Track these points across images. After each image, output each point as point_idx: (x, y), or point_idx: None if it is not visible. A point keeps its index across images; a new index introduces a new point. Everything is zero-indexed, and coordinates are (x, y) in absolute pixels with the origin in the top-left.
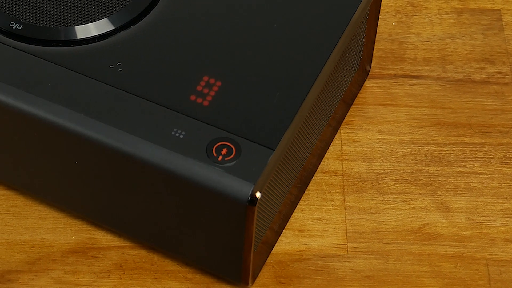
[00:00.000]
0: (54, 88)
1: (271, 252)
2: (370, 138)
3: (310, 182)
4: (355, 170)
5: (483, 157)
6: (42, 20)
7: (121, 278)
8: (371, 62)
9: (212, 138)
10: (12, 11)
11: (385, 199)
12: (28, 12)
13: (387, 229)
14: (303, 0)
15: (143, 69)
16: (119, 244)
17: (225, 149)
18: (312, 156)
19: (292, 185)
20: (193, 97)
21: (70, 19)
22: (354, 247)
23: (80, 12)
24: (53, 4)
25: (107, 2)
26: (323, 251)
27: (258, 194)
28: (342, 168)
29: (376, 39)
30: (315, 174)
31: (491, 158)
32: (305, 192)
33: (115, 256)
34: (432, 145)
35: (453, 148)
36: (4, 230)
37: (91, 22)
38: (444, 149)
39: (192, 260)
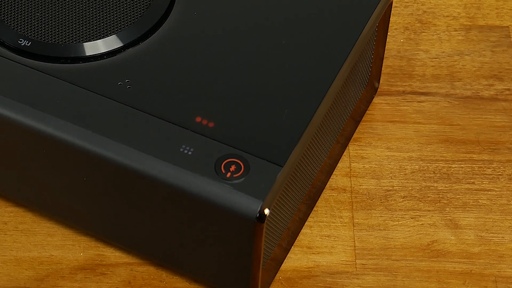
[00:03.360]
0: (62, 105)
1: (280, 269)
2: (379, 154)
3: (318, 198)
4: (363, 187)
5: (491, 174)
6: (50, 37)
7: None
8: (379, 79)
9: (221, 155)
10: (20, 28)
11: (394, 215)
12: (37, 29)
13: (396, 245)
14: (312, 17)
15: (151, 86)
16: (127, 260)
17: (234, 165)
18: (321, 173)
19: (300, 202)
20: (199, 118)
21: (78, 36)
22: (363, 264)
23: (88, 29)
24: (61, 21)
25: (116, 19)
26: (332, 267)
27: (266, 211)
28: (351, 185)
29: (385, 56)
30: (324, 190)
31: (499, 175)
32: (314, 209)
33: (124, 273)
34: (441, 162)
35: (462, 165)
36: (12, 246)
37: (100, 39)
38: (453, 166)
39: (201, 277)
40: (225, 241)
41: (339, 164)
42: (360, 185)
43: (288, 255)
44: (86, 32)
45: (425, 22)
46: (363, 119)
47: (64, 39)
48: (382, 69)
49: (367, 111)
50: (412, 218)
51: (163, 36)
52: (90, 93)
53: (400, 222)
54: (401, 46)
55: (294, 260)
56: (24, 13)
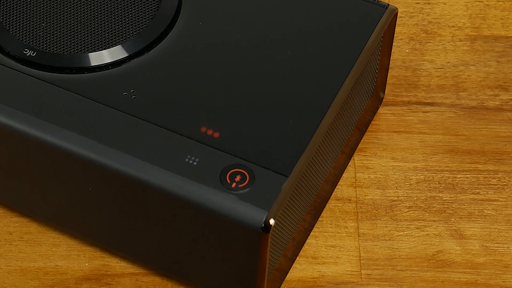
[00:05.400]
0: (67, 115)
1: (285, 279)
2: (384, 165)
3: (324, 209)
4: (368, 197)
5: (496, 184)
6: (55, 47)
7: None
8: (384, 89)
9: (226, 165)
10: (25, 38)
11: (399, 226)
12: (42, 39)
13: (401, 256)
14: (317, 28)
15: (156, 96)
16: (132, 271)
17: (239, 176)
18: (326, 183)
19: (305, 212)
20: (204, 129)
21: (83, 46)
22: (368, 274)
23: (93, 39)
24: (66, 31)
25: (121, 29)
26: (337, 278)
27: (272, 221)
28: (356, 195)
29: (390, 66)
30: (329, 201)
31: (504, 185)
32: (319, 219)
33: (129, 283)
34: (446, 172)
35: (467, 175)
36: (18, 257)
37: (105, 49)
38: (458, 176)
39: (206, 287)
40: (230, 251)
41: (344, 174)
42: (365, 195)
43: (293, 265)
44: (91, 42)
45: (430, 32)
46: (368, 129)
47: (69, 49)
48: (387, 79)
49: (372, 122)
50: (417, 229)
51: (168, 46)
52: (95, 103)
53: (405, 233)
54: (406, 56)
55: (299, 270)
56: (29, 23)
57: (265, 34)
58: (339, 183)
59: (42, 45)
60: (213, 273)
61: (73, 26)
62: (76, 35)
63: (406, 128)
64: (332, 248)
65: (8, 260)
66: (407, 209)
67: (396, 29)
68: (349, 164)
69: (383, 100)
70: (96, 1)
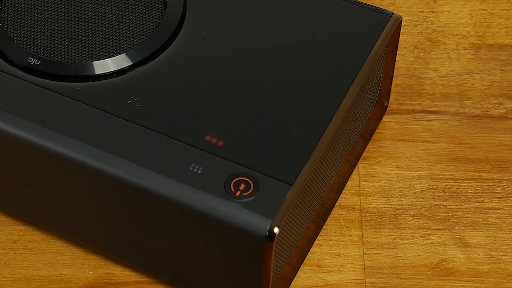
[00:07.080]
0: (72, 124)
1: None
2: (388, 173)
3: (328, 217)
4: (373, 205)
5: (501, 193)
6: (60, 56)
7: None
8: (389, 98)
9: (230, 173)
10: (30, 47)
11: (403, 234)
12: (46, 48)
13: (405, 264)
14: (322, 36)
15: (160, 105)
16: (137, 279)
17: (243, 184)
18: (330, 192)
19: (310, 220)
20: (208, 137)
21: (88, 55)
22: (372, 283)
23: (98, 47)
24: (70, 40)
25: (125, 38)
26: (341, 286)
27: (276, 230)
28: (360, 203)
29: (394, 74)
30: (333, 209)
31: (509, 193)
32: (323, 227)
33: None
34: (450, 181)
35: (471, 184)
36: (22, 265)
37: (109, 57)
38: (462, 184)
39: None
40: (234, 260)
41: (348, 183)
42: (370, 204)
43: (297, 274)
44: (95, 51)
45: (434, 41)
46: (372, 137)
47: (74, 58)
48: (392, 87)
49: (376, 130)
50: (421, 237)
51: (173, 55)
52: (100, 111)
53: (409, 241)
54: (410, 65)
55: (304, 278)
56: (34, 31)
57: (270, 43)
58: (343, 191)
59: (46, 53)
60: (217, 282)
61: (77, 34)
62: (81, 44)
63: (411, 137)
64: (336, 256)
65: (12, 268)
66: (411, 218)
67: (400, 37)
68: (353, 172)
69: (387, 108)
70: (101, 10)
